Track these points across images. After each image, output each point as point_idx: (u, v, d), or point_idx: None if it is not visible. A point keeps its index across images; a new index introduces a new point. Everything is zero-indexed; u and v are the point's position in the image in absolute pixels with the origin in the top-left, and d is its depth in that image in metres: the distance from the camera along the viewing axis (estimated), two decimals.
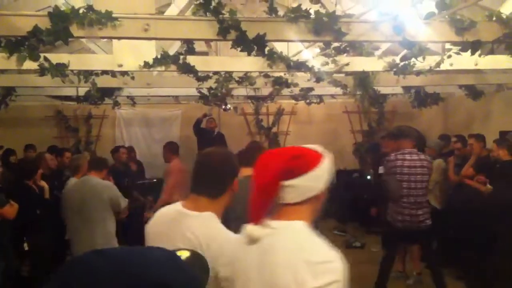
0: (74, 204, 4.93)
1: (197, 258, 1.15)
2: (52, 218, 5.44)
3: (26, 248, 5.33)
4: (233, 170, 2.27)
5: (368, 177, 8.95)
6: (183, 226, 2.07)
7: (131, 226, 6.26)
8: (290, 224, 1.69)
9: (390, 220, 5.48)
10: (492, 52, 4.52)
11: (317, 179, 1.70)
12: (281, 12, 4.21)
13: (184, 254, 1.09)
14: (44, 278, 5.46)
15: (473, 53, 4.27)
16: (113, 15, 3.65)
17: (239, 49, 4.04)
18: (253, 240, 1.70)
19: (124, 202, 5.02)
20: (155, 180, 8.12)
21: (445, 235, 6.58)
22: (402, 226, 5.37)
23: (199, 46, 5.87)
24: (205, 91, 7.69)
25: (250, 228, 1.71)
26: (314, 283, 1.53)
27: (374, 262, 5.81)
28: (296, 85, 7.41)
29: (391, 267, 5.68)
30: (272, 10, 4.19)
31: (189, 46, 5.40)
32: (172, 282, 0.84)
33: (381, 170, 6.28)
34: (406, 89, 8.28)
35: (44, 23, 3.58)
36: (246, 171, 4.89)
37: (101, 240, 4.79)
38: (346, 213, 9.52)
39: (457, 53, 4.70)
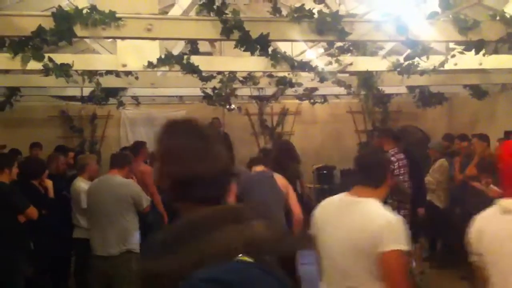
0: (96, 203, 4.82)
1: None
2: (57, 218, 5.44)
3: (32, 248, 5.32)
4: (387, 164, 2.75)
5: None
6: (351, 210, 2.50)
7: None
8: None
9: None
10: (496, 51, 4.51)
11: None
12: (284, 12, 4.21)
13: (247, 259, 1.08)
14: (47, 279, 5.47)
15: (477, 53, 4.25)
16: (117, 15, 3.66)
17: (242, 49, 4.05)
18: (508, 211, 2.18)
19: (146, 201, 4.88)
20: None
21: (449, 234, 6.56)
22: None
23: (203, 46, 5.87)
24: (209, 91, 7.69)
25: (507, 202, 2.20)
26: None
27: None
28: (300, 85, 7.39)
29: None
30: (275, 10, 4.20)
31: (193, 46, 5.41)
32: None
33: None
34: (411, 89, 8.26)
35: (48, 23, 3.59)
36: (258, 168, 4.98)
37: (123, 239, 4.65)
38: None
39: (461, 53, 4.69)
